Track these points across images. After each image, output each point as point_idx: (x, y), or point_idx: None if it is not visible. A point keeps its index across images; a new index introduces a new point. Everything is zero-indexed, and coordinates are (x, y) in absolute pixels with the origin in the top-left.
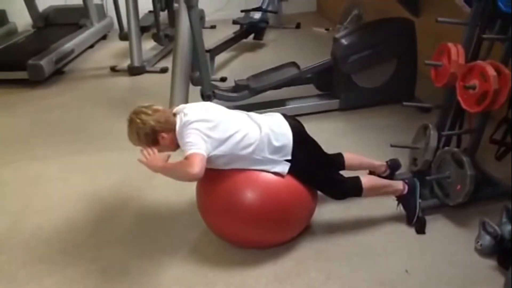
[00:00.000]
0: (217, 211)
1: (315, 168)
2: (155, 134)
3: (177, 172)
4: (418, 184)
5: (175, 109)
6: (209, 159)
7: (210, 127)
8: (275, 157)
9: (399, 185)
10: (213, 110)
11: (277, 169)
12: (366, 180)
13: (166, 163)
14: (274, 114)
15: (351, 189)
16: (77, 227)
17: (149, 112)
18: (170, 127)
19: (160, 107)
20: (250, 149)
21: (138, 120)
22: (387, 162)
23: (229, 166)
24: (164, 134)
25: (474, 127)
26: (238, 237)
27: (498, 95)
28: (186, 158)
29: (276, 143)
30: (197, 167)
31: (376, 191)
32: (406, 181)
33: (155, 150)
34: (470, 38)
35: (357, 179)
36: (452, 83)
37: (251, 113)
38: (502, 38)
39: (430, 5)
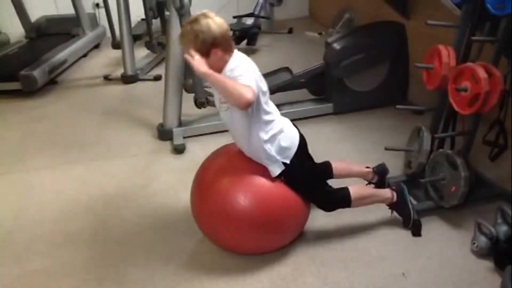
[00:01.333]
0: (211, 218)
1: (307, 178)
2: (212, 46)
3: (232, 89)
4: (405, 188)
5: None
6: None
7: (262, 88)
8: (277, 155)
9: (387, 193)
10: (264, 82)
11: (271, 167)
12: (354, 190)
13: (215, 73)
14: (284, 118)
15: (340, 201)
16: (71, 238)
17: (218, 21)
18: (228, 48)
19: (226, 24)
20: (268, 136)
21: (204, 22)
22: (373, 168)
23: (238, 133)
24: (219, 51)
25: (467, 129)
26: (233, 243)
27: (490, 97)
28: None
29: (283, 144)
30: (253, 96)
31: (365, 201)
32: (393, 187)
33: (197, 57)
34: (460, 40)
35: (345, 190)
36: (444, 86)
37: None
38: (492, 40)
39: (421, 7)
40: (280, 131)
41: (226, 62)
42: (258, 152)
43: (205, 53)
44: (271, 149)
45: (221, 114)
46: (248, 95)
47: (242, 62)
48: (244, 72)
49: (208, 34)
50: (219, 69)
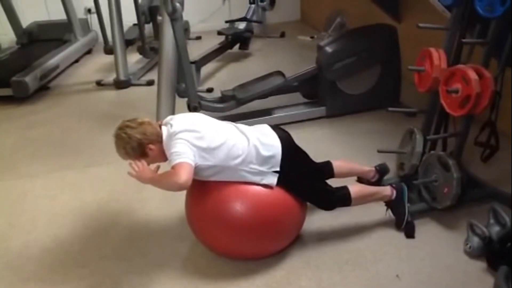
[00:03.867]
0: (206, 223)
1: (303, 179)
2: (142, 146)
3: (165, 183)
4: (406, 188)
5: (163, 121)
6: (196, 170)
7: (197, 137)
8: (263, 168)
9: (387, 190)
10: (201, 121)
11: (266, 181)
12: (355, 189)
13: (154, 174)
14: (261, 126)
15: (340, 200)
16: (65, 244)
17: (134, 125)
18: (156, 139)
19: (145, 119)
20: (238, 160)
21: (123, 135)
22: (375, 167)
23: (216, 178)
24: (152, 146)
25: (458, 130)
26: (228, 249)
27: (481, 98)
28: (173, 168)
29: (264, 153)
30: (184, 176)
31: (365, 199)
32: (394, 185)
33: (144, 162)
34: (451, 42)
35: (345, 189)
36: (435, 88)
37: (239, 124)
38: (482, 42)
39: (412, 10)
40: (255, 145)
41: (162, 145)
42: (246, 178)
43: (143, 155)
44: (253, 166)
45: None
46: (179, 180)
47: (170, 131)
48: (174, 147)
49: (133, 142)
50: (162, 154)
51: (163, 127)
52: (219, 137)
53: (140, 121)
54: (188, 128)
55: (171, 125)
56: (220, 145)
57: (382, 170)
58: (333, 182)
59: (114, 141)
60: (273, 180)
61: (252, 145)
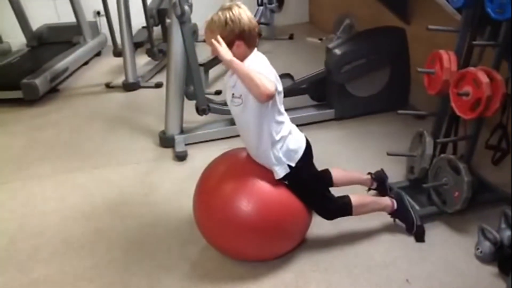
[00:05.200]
0: (214, 225)
1: (310, 183)
2: (238, 37)
3: (256, 77)
4: (403, 194)
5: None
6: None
7: (278, 81)
8: (283, 157)
9: (387, 201)
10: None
11: (277, 168)
12: (355, 198)
13: (238, 61)
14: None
15: (341, 209)
16: (74, 247)
17: (249, 15)
18: (252, 43)
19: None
20: (278, 137)
21: (237, 13)
22: (371, 175)
23: (249, 131)
24: (243, 45)
25: (469, 134)
26: (236, 251)
27: (491, 101)
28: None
29: (291, 146)
30: (275, 90)
31: (365, 209)
32: (392, 195)
33: (224, 44)
34: (461, 45)
35: (346, 199)
36: (446, 90)
37: None
38: (493, 44)
39: (421, 12)
40: (289, 134)
41: (245, 57)
42: (266, 152)
43: (229, 43)
44: (279, 150)
45: (232, 110)
46: (271, 88)
47: (262, 60)
48: (263, 69)
49: (238, 25)
50: (243, 56)
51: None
52: (283, 108)
53: (254, 20)
54: (273, 69)
55: (265, 61)
56: (282, 112)
57: (378, 177)
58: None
59: (222, 10)
60: (282, 172)
61: (288, 132)
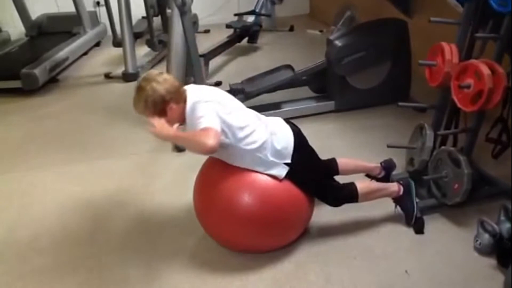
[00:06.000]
0: (214, 216)
1: (312, 174)
2: (164, 104)
3: (193, 142)
4: (413, 184)
5: (187, 86)
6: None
7: (225, 112)
8: (275, 159)
9: (394, 187)
10: (229, 98)
11: (275, 171)
12: (361, 185)
13: (178, 132)
14: (275, 118)
15: (347, 196)
16: (74, 236)
17: (160, 80)
18: (180, 98)
19: (171, 76)
20: (254, 146)
21: (148, 87)
22: (381, 163)
23: (230, 160)
24: (173, 105)
25: (469, 126)
26: (236, 242)
27: (493, 94)
28: (202, 130)
29: (278, 146)
30: (214, 140)
31: (372, 195)
32: (401, 182)
33: (163, 120)
34: (463, 37)
35: (352, 186)
36: (447, 83)
37: (258, 113)
38: (495, 37)
39: (423, 5)
40: (271, 135)
41: (184, 108)
42: (256, 165)
43: (161, 113)
44: (267, 155)
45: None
46: (209, 142)
47: (199, 97)
48: (203, 111)
49: (156, 96)
50: (181, 117)
51: (189, 90)
52: (243, 119)
53: (167, 77)
54: (217, 100)
55: (200, 91)
56: (242, 126)
57: (388, 166)
58: (339, 179)
59: (136, 92)
60: (283, 171)
61: (268, 134)
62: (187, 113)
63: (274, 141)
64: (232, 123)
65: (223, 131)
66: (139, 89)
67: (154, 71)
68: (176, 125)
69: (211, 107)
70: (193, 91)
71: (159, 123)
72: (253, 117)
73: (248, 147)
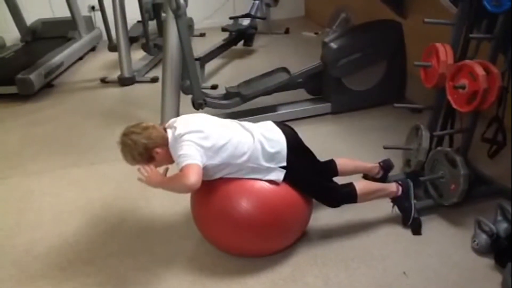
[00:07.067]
0: (212, 221)
1: (309, 175)
2: (149, 151)
3: (175, 185)
4: (411, 184)
5: (166, 124)
6: (205, 170)
7: (202, 137)
8: (270, 164)
9: (392, 187)
10: (204, 121)
11: (272, 176)
12: (360, 185)
13: (164, 178)
14: (265, 122)
15: (346, 197)
16: (71, 242)
17: (138, 130)
18: (162, 142)
19: (149, 124)
20: (244, 157)
21: (129, 141)
22: (379, 163)
23: (223, 174)
24: (158, 150)
25: (465, 127)
26: (234, 246)
27: (488, 94)
28: (181, 170)
29: (270, 150)
30: (193, 178)
31: (371, 196)
32: (400, 182)
33: (152, 167)
34: (457, 38)
35: (351, 186)
36: (442, 84)
37: (243, 122)
38: (489, 37)
39: (417, 6)
40: (260, 141)
41: (167, 148)
42: (254, 174)
43: (150, 159)
44: (260, 163)
45: None
46: (188, 181)
47: (178, 131)
48: (181, 149)
49: (138, 147)
50: (170, 157)
51: (168, 130)
52: (224, 136)
53: (145, 126)
54: (192, 129)
55: (176, 128)
56: (225, 143)
57: (386, 166)
58: (338, 179)
59: (120, 148)
60: (279, 175)
61: (257, 141)
62: (172, 153)
63: (266, 146)
64: (213, 144)
65: (207, 156)
66: (122, 145)
67: (131, 124)
68: (165, 167)
69: (189, 141)
70: (170, 129)
71: (150, 172)
72: (236, 129)
73: (239, 160)
